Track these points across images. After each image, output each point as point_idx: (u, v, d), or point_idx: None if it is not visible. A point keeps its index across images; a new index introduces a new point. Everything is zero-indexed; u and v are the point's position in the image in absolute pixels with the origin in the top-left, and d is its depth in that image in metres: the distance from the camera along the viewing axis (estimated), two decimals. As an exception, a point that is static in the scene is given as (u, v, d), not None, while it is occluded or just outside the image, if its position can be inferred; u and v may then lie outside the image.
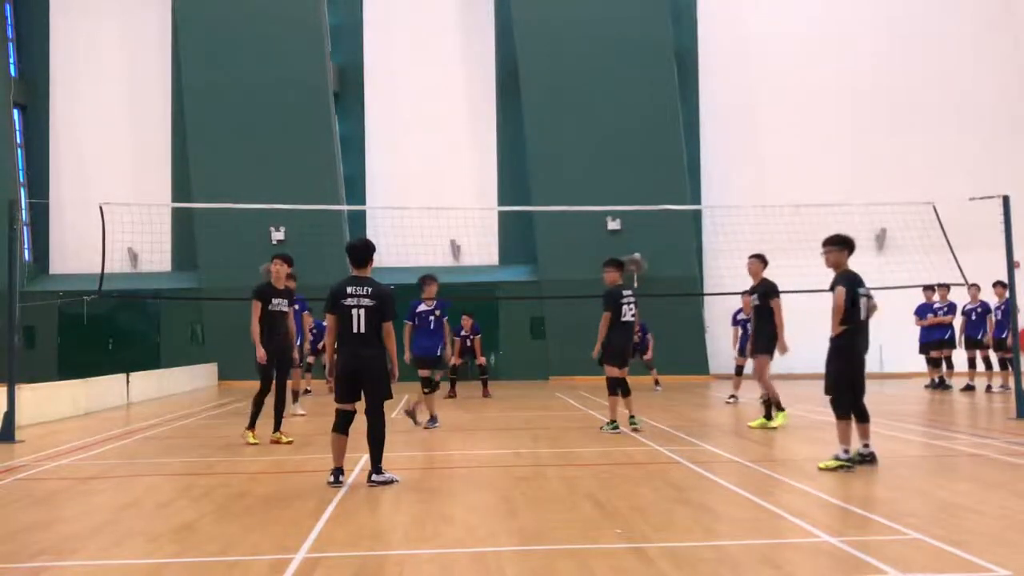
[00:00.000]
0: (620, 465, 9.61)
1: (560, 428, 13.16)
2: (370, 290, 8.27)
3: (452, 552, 5.92)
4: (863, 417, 8.88)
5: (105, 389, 18.12)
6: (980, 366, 18.83)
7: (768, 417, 12.47)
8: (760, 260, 12.71)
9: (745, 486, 8.08)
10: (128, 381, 19.32)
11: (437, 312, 13.30)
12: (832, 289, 8.83)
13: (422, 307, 13.20)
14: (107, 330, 26.77)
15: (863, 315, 8.81)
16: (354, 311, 8.21)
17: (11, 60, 28.07)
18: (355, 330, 8.21)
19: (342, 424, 8.35)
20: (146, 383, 20.44)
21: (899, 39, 26.25)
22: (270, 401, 11.50)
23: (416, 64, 27.38)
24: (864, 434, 8.91)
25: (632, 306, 12.11)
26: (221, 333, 25.60)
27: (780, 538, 6.24)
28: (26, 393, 13.82)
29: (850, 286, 8.73)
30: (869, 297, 8.96)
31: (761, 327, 12.55)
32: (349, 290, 8.28)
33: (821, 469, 8.66)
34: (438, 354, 13.30)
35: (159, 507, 7.77)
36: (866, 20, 26.43)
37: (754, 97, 26.55)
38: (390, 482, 8.26)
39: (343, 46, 27.68)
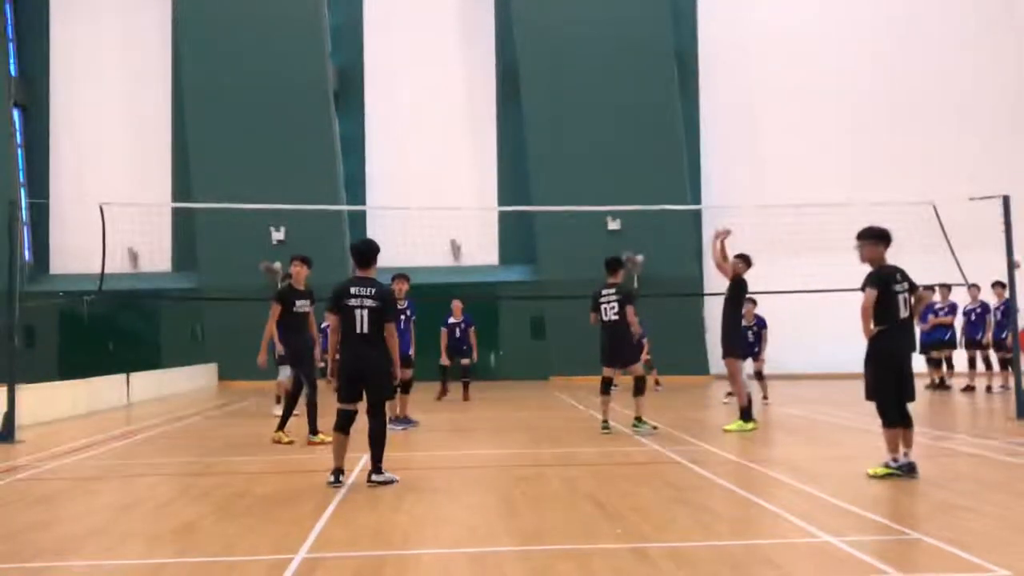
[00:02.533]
0: (620, 465, 9.61)
1: (560, 428, 13.16)
2: (373, 291, 8.29)
3: (452, 552, 5.92)
4: (905, 423, 8.28)
5: (105, 389, 18.13)
6: (980, 366, 18.82)
7: (746, 419, 12.15)
8: (742, 260, 12.56)
9: (745, 486, 8.08)
10: (128, 381, 19.32)
11: (407, 312, 13.46)
12: (863, 289, 8.35)
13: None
14: (107, 330, 26.75)
15: (903, 313, 8.28)
16: (357, 312, 8.22)
17: (11, 60, 28.05)
18: (358, 330, 8.23)
19: (344, 424, 8.35)
20: (146, 383, 20.43)
21: (899, 39, 26.23)
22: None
23: (416, 64, 27.36)
24: (906, 441, 8.24)
25: (614, 305, 11.84)
26: (221, 333, 25.57)
27: (780, 538, 6.24)
28: (26, 393, 13.82)
29: (883, 285, 8.24)
30: (912, 291, 8.42)
31: (725, 327, 12.42)
32: (353, 290, 8.29)
33: (870, 476, 8.24)
34: (409, 353, 13.36)
35: (159, 507, 7.77)
36: (866, 20, 26.42)
37: (754, 97, 26.54)
38: (390, 482, 8.25)
39: (343, 46, 27.66)
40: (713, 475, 8.64)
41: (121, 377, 19.21)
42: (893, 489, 7.86)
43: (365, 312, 8.21)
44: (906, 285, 8.39)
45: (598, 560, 5.57)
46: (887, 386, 8.26)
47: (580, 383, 22.91)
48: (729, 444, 10.92)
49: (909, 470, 8.20)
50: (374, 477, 8.25)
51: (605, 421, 12.15)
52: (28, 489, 8.76)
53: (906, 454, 8.26)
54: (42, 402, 15.04)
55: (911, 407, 8.41)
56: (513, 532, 6.45)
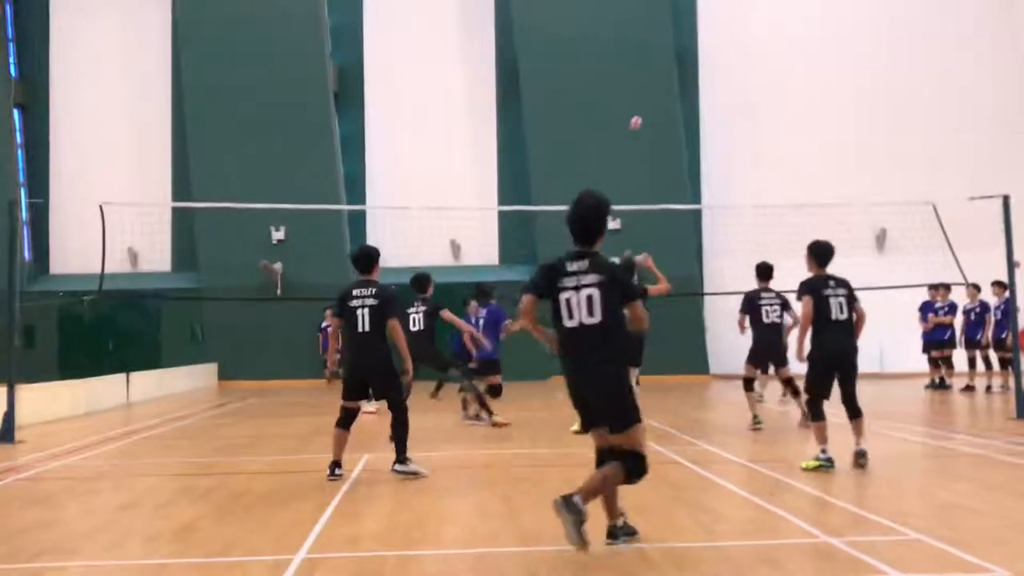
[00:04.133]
0: (620, 465, 9.59)
1: (560, 428, 13.15)
2: (374, 291, 8.62)
3: (453, 552, 5.92)
4: (850, 414, 8.89)
5: (105, 389, 18.12)
6: (980, 366, 18.81)
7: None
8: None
9: (745, 486, 8.09)
10: (128, 381, 19.32)
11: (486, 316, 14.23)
12: (799, 298, 9.09)
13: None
14: (107, 330, 26.76)
15: (835, 315, 8.79)
16: (359, 311, 8.53)
17: (11, 60, 28.04)
18: (359, 328, 8.52)
19: (344, 420, 8.61)
20: (146, 383, 20.43)
21: (899, 39, 26.22)
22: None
23: (416, 64, 27.36)
24: (856, 431, 8.87)
25: (776, 308, 12.41)
26: (221, 333, 25.58)
27: (780, 538, 6.24)
28: (26, 393, 13.83)
29: (812, 292, 8.91)
30: (851, 299, 8.95)
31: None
32: (355, 292, 8.63)
33: (803, 469, 8.71)
34: (495, 358, 14.10)
35: (159, 507, 7.78)
36: (866, 20, 26.41)
37: (754, 97, 26.53)
38: (413, 474, 8.51)
39: (343, 46, 27.65)
40: (713, 475, 8.64)
41: (121, 377, 19.21)
42: (893, 489, 7.87)
43: (366, 311, 8.50)
44: (842, 291, 8.93)
45: (598, 560, 5.57)
46: (819, 384, 8.88)
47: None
48: (729, 444, 10.93)
49: (861, 457, 8.73)
50: (397, 467, 8.57)
51: (756, 416, 12.32)
52: (28, 489, 8.77)
53: (857, 443, 8.81)
54: (42, 402, 15.04)
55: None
56: (513, 532, 6.46)
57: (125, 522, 7.11)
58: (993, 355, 18.52)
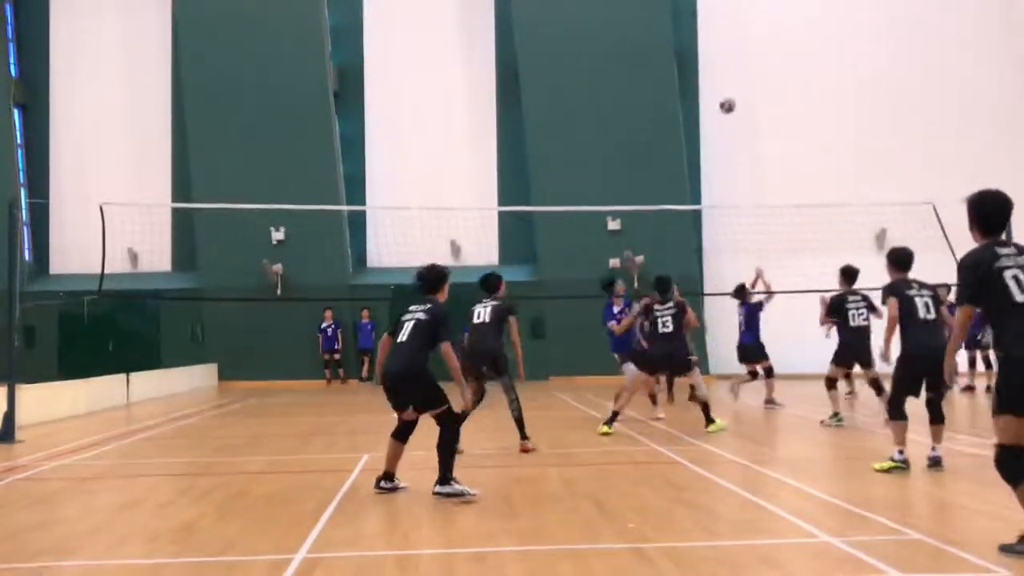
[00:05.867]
0: (620, 465, 9.62)
1: (560, 428, 13.17)
2: (428, 307, 8.10)
3: (452, 552, 5.92)
4: (933, 418, 9.17)
5: (105, 389, 18.12)
6: (980, 366, 18.80)
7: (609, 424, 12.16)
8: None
9: (745, 486, 8.09)
10: (128, 381, 19.32)
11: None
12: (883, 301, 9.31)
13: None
14: (107, 330, 26.74)
15: (920, 315, 8.99)
16: (406, 323, 8.01)
17: (11, 60, 28.03)
18: (399, 338, 7.99)
19: (399, 431, 8.13)
20: (146, 383, 20.42)
21: (899, 39, 26.21)
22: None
23: (416, 64, 27.35)
24: (933, 436, 9.16)
25: (863, 311, 12.63)
26: (221, 333, 25.57)
27: (780, 538, 6.24)
28: (26, 393, 13.82)
29: (897, 295, 9.08)
30: (933, 299, 9.20)
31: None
32: (411, 307, 8.17)
33: (875, 470, 8.65)
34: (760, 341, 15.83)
35: (159, 507, 7.78)
36: (866, 20, 26.40)
37: (754, 97, 26.47)
38: (457, 495, 7.68)
39: (343, 46, 27.64)
40: (713, 475, 8.64)
41: (121, 377, 19.20)
42: (893, 489, 7.87)
43: (411, 324, 7.98)
44: (926, 292, 9.09)
45: (598, 560, 5.57)
46: (905, 383, 8.88)
47: (580, 383, 22.93)
48: (729, 444, 10.93)
49: (934, 463, 8.82)
50: (437, 488, 7.80)
51: (837, 413, 12.56)
52: (28, 489, 8.77)
53: (933, 447, 8.90)
54: (42, 402, 15.04)
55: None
56: (513, 532, 6.45)
57: (125, 522, 7.11)
58: (993, 355, 18.50)
